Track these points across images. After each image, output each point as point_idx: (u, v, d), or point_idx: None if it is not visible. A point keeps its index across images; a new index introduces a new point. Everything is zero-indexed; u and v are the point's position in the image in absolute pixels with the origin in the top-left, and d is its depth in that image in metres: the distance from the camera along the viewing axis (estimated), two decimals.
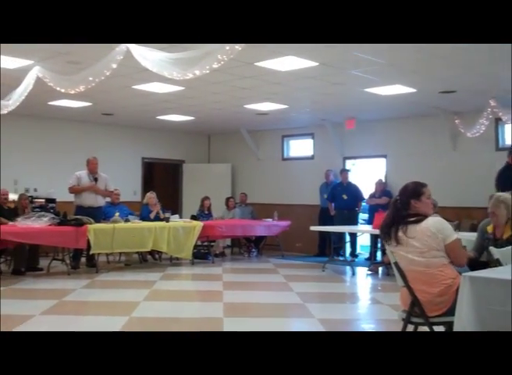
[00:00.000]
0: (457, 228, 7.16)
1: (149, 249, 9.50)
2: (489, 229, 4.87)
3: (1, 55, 6.97)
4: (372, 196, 11.02)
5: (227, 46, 5.39)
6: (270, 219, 11.47)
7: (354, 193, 11.26)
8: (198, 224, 9.91)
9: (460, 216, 9.25)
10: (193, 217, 10.93)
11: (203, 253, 10.53)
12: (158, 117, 11.77)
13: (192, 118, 11.81)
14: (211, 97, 9.51)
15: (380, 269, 9.52)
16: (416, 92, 8.83)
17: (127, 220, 9.43)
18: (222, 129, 13.59)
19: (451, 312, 3.45)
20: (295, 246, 12.22)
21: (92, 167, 9.41)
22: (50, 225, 8.40)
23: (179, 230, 9.61)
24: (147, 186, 13.39)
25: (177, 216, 11.43)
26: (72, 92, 7.08)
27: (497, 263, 4.10)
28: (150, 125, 12.91)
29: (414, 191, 3.87)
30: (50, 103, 10.10)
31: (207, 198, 11.38)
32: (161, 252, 10.12)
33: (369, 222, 10.77)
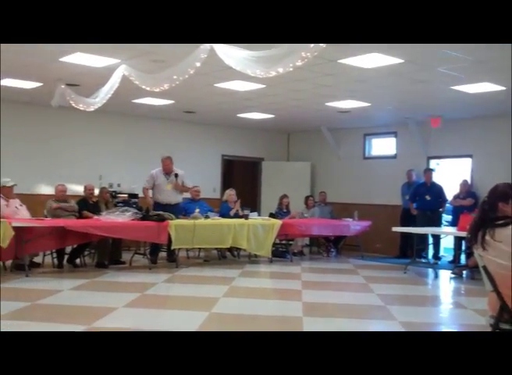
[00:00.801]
0: None
1: (228, 246, 9.55)
2: None
3: (90, 54, 7.18)
4: (457, 197, 10.67)
5: (311, 43, 5.33)
6: (350, 219, 11.30)
7: (438, 193, 10.93)
8: (277, 222, 9.89)
9: None
10: (272, 215, 10.92)
11: (281, 251, 10.50)
12: (239, 115, 11.83)
13: (272, 116, 11.80)
14: (292, 94, 9.46)
15: (464, 272, 9.18)
16: (505, 90, 8.47)
17: (207, 217, 9.52)
18: (302, 127, 13.52)
19: None
20: (375, 247, 12.00)
21: (166, 167, 9.53)
22: (133, 220, 8.59)
23: (259, 227, 9.62)
24: (226, 183, 13.51)
25: (256, 213, 11.46)
26: (157, 90, 7.21)
27: None
28: (230, 123, 13.00)
29: (503, 193, 3.67)
30: (134, 101, 10.34)
31: (285, 196, 11.35)
32: (239, 249, 10.17)
33: (453, 224, 10.43)
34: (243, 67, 6.08)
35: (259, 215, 11.54)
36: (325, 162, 13.76)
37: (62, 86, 8.59)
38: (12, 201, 8.26)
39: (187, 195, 10.11)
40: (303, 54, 5.43)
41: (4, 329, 4.51)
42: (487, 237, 3.60)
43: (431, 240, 10.53)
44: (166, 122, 12.57)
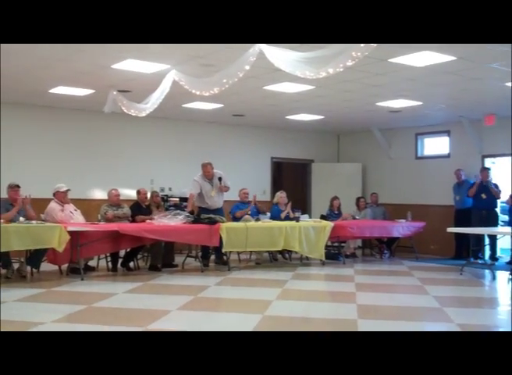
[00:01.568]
0: None
1: (280, 248, 9.51)
2: None
3: (141, 61, 7.28)
4: None
5: (362, 43, 5.26)
6: (403, 220, 11.12)
7: (494, 193, 10.62)
8: (328, 224, 9.80)
9: None
10: (323, 217, 10.84)
11: (333, 253, 10.41)
12: (288, 117, 11.79)
13: (321, 117, 11.73)
14: (342, 95, 9.37)
15: None
16: None
17: (258, 219, 9.52)
18: (352, 127, 13.39)
19: None
20: (430, 248, 11.77)
21: (207, 173, 9.51)
22: (184, 223, 8.66)
23: (310, 229, 9.55)
24: (276, 185, 13.49)
25: (307, 215, 11.39)
26: (207, 94, 7.25)
27: None
28: (279, 125, 12.98)
29: None
30: (184, 105, 10.43)
31: (336, 197, 11.24)
32: (291, 252, 10.12)
33: (510, 223, 10.14)
34: (292, 69, 6.04)
35: (310, 217, 11.47)
36: (376, 162, 13.59)
37: (114, 92, 8.73)
38: (66, 206, 8.44)
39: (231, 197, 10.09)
40: (353, 54, 5.36)
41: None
42: None
43: (487, 240, 10.25)
44: (215, 125, 12.64)
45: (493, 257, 10.68)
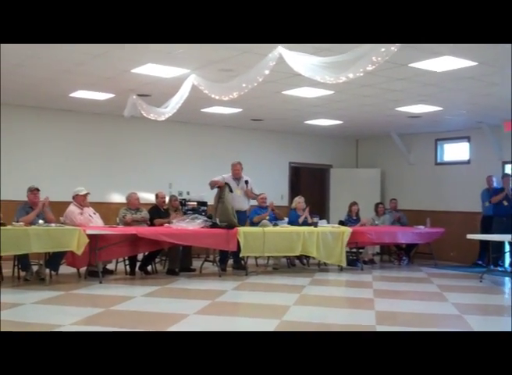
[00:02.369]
0: None
1: (298, 254, 9.47)
2: None
3: (160, 65, 7.31)
4: None
5: (382, 47, 5.24)
6: (422, 227, 11.02)
7: None
8: (347, 230, 9.73)
9: None
10: (341, 223, 10.78)
11: (351, 259, 10.34)
12: (306, 122, 11.78)
13: (340, 122, 11.69)
14: (361, 100, 9.34)
15: None
16: None
17: (275, 225, 9.50)
18: (371, 133, 13.33)
19: None
20: (449, 255, 11.67)
21: (236, 172, 9.57)
22: (202, 227, 8.66)
23: (328, 235, 9.50)
24: (294, 190, 13.47)
25: (325, 221, 11.36)
26: (226, 99, 7.26)
27: None
28: (297, 130, 12.96)
29: None
30: (203, 110, 10.46)
31: (355, 203, 11.18)
32: (308, 257, 10.08)
33: None
34: (312, 73, 6.03)
35: (328, 222, 11.41)
36: (395, 168, 13.51)
37: (134, 96, 8.79)
38: (86, 209, 8.48)
39: (253, 202, 10.10)
40: (373, 58, 5.34)
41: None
42: None
43: (507, 247, 10.13)
44: (234, 130, 12.66)
45: None
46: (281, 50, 6.04)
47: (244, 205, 9.63)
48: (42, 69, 7.66)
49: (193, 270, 9.24)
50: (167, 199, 9.75)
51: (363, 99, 9.26)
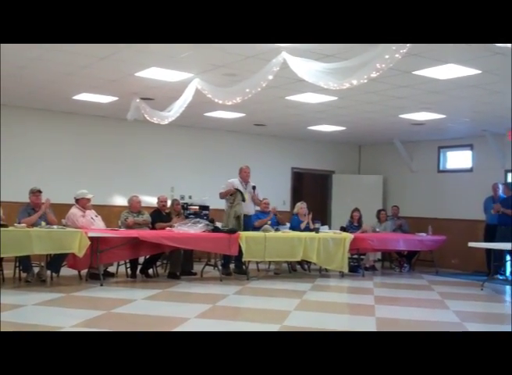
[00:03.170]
0: None
1: (299, 259, 9.47)
2: None
3: (164, 69, 7.33)
4: None
5: (386, 54, 5.25)
6: (424, 234, 11.02)
7: None
8: (348, 236, 9.72)
9: None
10: (343, 229, 10.76)
11: (352, 266, 10.32)
12: (309, 127, 11.78)
13: (343, 128, 11.70)
14: (365, 106, 9.35)
15: None
16: None
17: (277, 230, 9.50)
18: (374, 139, 13.34)
19: None
20: (450, 262, 11.65)
21: (244, 175, 9.59)
22: (204, 231, 8.66)
23: (329, 241, 9.48)
24: (296, 196, 13.46)
25: (326, 226, 11.35)
26: (229, 103, 7.27)
27: None
28: (300, 135, 12.98)
29: None
30: (206, 114, 10.47)
31: (356, 209, 11.16)
32: (310, 263, 10.07)
33: None
34: (315, 79, 6.05)
35: (330, 228, 11.41)
36: (398, 175, 13.51)
37: (137, 100, 8.81)
38: (88, 212, 8.49)
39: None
40: (378, 65, 5.35)
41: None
42: None
43: (508, 257, 10.10)
44: (237, 135, 12.68)
45: None
46: (285, 55, 6.06)
47: (251, 209, 9.64)
48: (46, 72, 7.68)
49: (195, 274, 9.23)
50: (169, 203, 9.75)
51: (366, 106, 9.27)
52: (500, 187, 10.94)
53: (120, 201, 10.86)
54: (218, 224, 9.26)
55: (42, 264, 8.09)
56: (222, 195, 9.51)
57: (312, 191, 14.81)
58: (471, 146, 12.14)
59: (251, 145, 12.93)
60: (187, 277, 8.91)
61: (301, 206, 10.48)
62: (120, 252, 8.32)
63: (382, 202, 13.35)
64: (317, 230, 9.78)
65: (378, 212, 11.83)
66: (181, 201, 10.64)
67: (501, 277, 9.95)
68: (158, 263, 9.28)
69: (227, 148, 12.53)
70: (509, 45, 4.30)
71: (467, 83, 7.50)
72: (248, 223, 9.37)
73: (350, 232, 10.28)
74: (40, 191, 8.04)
